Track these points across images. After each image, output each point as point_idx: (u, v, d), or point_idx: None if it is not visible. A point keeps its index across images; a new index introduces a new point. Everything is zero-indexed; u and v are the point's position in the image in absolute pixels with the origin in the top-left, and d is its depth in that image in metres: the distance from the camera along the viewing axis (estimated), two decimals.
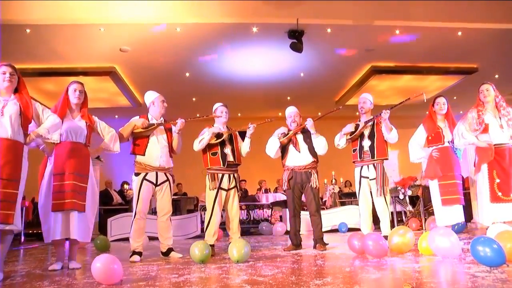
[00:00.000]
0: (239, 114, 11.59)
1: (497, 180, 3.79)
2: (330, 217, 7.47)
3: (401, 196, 6.69)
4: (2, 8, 5.65)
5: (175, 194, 10.08)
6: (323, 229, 7.24)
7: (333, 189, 8.00)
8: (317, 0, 6.21)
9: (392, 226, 7.21)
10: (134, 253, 3.90)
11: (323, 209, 8.31)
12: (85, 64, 7.54)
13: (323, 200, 8.72)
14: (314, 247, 4.34)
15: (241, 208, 7.90)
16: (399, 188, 6.75)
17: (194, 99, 9.94)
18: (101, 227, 7.31)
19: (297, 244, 4.40)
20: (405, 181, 6.69)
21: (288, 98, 10.50)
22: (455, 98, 9.70)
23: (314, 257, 3.71)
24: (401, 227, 3.80)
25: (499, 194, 3.74)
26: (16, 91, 3.18)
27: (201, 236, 5.94)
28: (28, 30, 6.13)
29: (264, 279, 2.60)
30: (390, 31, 6.87)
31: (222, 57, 7.72)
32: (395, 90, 9.33)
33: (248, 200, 8.73)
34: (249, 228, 7.76)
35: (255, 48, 7.37)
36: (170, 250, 4.08)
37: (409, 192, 6.59)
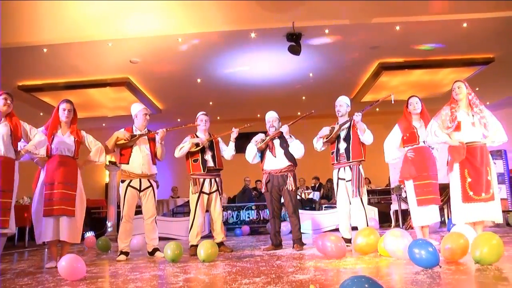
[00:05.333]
0: (258, 115, 11.80)
1: (469, 180, 3.75)
2: (336, 216, 7.49)
3: (404, 194, 6.64)
4: (19, 32, 6.31)
5: None
6: (330, 228, 7.43)
7: None
8: (311, 0, 6.28)
9: (397, 224, 7.23)
10: (121, 252, 4.30)
11: (334, 207, 8.36)
12: (101, 76, 8.12)
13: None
14: (293, 247, 4.51)
15: (251, 209, 8.17)
16: (402, 186, 6.69)
17: (210, 103, 10.30)
18: None
19: (276, 244, 4.59)
20: None
21: (303, 98, 10.59)
22: (477, 89, 9.29)
23: (279, 257, 3.87)
24: (367, 228, 3.88)
25: (471, 193, 3.71)
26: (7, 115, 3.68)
27: (209, 236, 6.21)
28: (45, 50, 6.76)
29: (205, 277, 2.85)
30: (391, 27, 6.78)
31: (227, 63, 7.99)
32: (409, 85, 9.13)
33: (261, 200, 8.95)
34: (258, 228, 7.98)
35: (257, 52, 7.56)
36: (155, 250, 4.44)
37: None
